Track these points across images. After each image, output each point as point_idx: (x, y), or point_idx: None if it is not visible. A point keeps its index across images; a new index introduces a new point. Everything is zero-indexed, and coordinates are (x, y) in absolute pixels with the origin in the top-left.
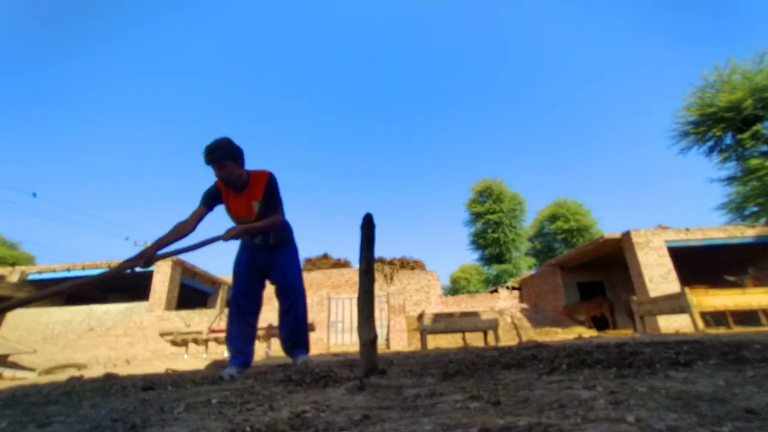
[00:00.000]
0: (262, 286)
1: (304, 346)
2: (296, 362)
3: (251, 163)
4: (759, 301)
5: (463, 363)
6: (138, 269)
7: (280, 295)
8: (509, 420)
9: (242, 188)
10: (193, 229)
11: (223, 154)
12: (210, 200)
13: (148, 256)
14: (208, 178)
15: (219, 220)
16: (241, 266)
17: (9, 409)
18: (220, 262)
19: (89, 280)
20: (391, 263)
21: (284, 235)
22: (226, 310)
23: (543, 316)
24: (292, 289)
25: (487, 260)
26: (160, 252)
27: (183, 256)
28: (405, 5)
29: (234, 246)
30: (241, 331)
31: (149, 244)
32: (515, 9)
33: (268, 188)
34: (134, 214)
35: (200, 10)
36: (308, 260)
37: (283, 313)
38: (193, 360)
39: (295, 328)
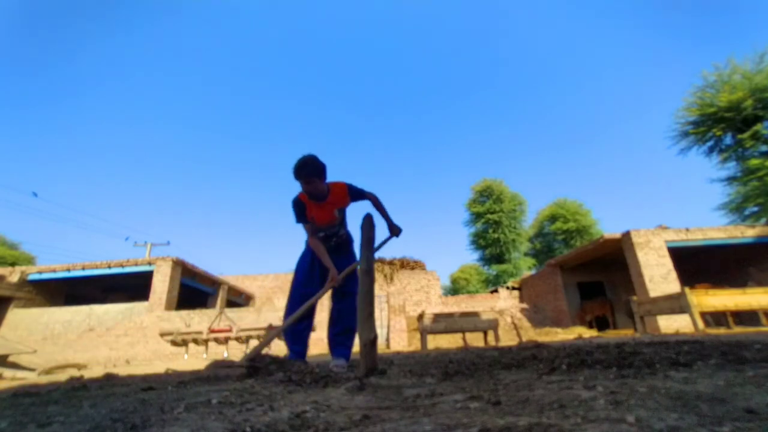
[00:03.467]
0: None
1: (347, 349)
2: (331, 363)
3: (253, 164)
4: (759, 301)
5: (463, 363)
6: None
7: (336, 297)
8: (509, 420)
9: (323, 199)
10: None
11: (310, 171)
12: (304, 215)
13: (335, 275)
14: (207, 178)
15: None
16: (305, 266)
17: (9, 409)
18: (220, 262)
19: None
20: (391, 263)
21: (348, 240)
22: (226, 310)
23: (543, 316)
24: (348, 293)
25: (487, 260)
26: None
27: (184, 257)
28: (405, 4)
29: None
30: (296, 328)
31: (147, 243)
32: (515, 8)
33: (351, 193)
34: (134, 214)
35: (200, 9)
36: None
37: (336, 315)
38: (193, 360)
39: (344, 330)
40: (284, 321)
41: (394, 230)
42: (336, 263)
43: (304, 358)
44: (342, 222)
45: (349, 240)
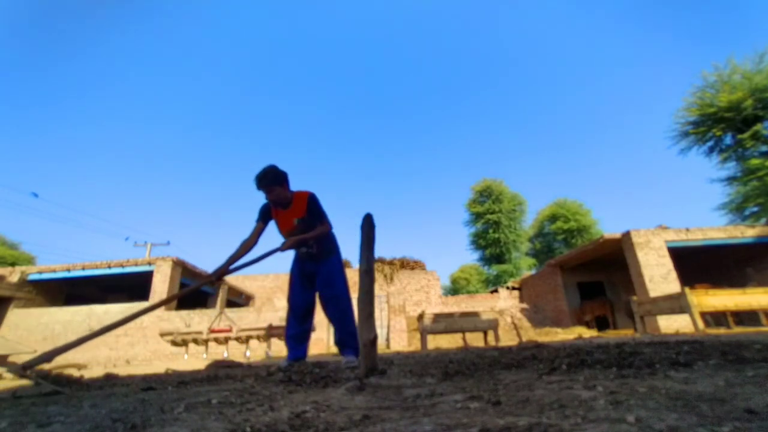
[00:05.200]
0: (313, 292)
1: (353, 348)
2: (342, 361)
3: (253, 163)
4: (759, 301)
5: (463, 363)
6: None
7: (323, 301)
8: (509, 420)
9: (287, 206)
10: (255, 243)
11: (269, 181)
12: (265, 216)
13: (221, 272)
14: (207, 178)
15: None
16: (293, 275)
17: (9, 409)
18: (220, 262)
19: (173, 297)
20: (391, 263)
21: (327, 246)
22: (226, 310)
23: (543, 316)
24: (332, 297)
25: (487, 260)
26: (231, 267)
27: (184, 257)
28: (405, 4)
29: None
30: (295, 330)
31: (147, 243)
32: (515, 8)
33: (309, 206)
34: (134, 214)
35: (201, 9)
36: None
37: (330, 319)
38: (193, 360)
39: (342, 331)
40: (286, 329)
41: (285, 245)
42: (314, 270)
43: (305, 359)
44: (306, 231)
45: (325, 249)
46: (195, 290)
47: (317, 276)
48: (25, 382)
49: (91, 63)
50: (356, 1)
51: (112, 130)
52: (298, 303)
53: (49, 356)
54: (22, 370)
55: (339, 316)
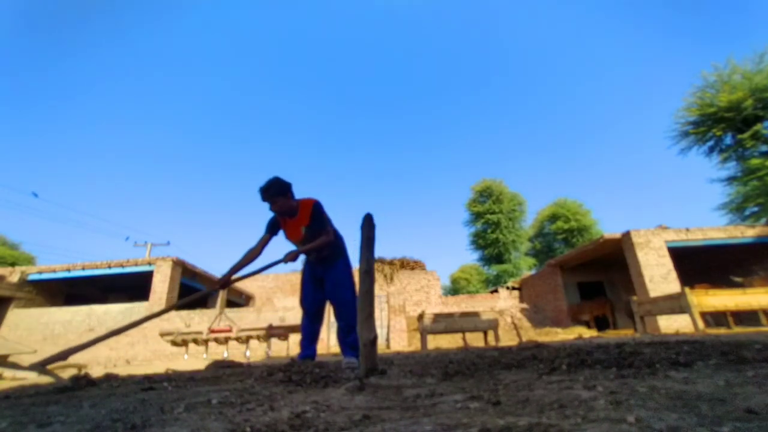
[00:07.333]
0: (323, 294)
1: (356, 349)
2: (342, 362)
3: (253, 164)
4: (759, 301)
5: (464, 363)
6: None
7: (332, 304)
8: (509, 420)
9: (293, 215)
10: (260, 253)
11: (273, 193)
12: (272, 228)
13: (225, 281)
14: (207, 178)
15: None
16: (304, 278)
17: (9, 409)
18: (220, 262)
19: (190, 299)
20: (391, 263)
21: (335, 251)
22: (226, 310)
23: (543, 316)
24: (337, 299)
25: (487, 260)
26: (234, 276)
27: (184, 257)
28: (404, 3)
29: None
30: (306, 331)
31: (147, 243)
32: (514, 8)
33: (313, 214)
34: (134, 214)
35: (201, 9)
36: None
37: (337, 320)
38: (193, 360)
39: (347, 334)
40: (302, 330)
41: (287, 256)
42: (323, 275)
43: (314, 359)
44: (314, 238)
45: (334, 253)
46: (198, 299)
47: (326, 280)
48: (24, 381)
49: (91, 62)
50: (355, 0)
51: (112, 130)
52: (309, 304)
53: (64, 355)
54: (40, 367)
55: (346, 318)
